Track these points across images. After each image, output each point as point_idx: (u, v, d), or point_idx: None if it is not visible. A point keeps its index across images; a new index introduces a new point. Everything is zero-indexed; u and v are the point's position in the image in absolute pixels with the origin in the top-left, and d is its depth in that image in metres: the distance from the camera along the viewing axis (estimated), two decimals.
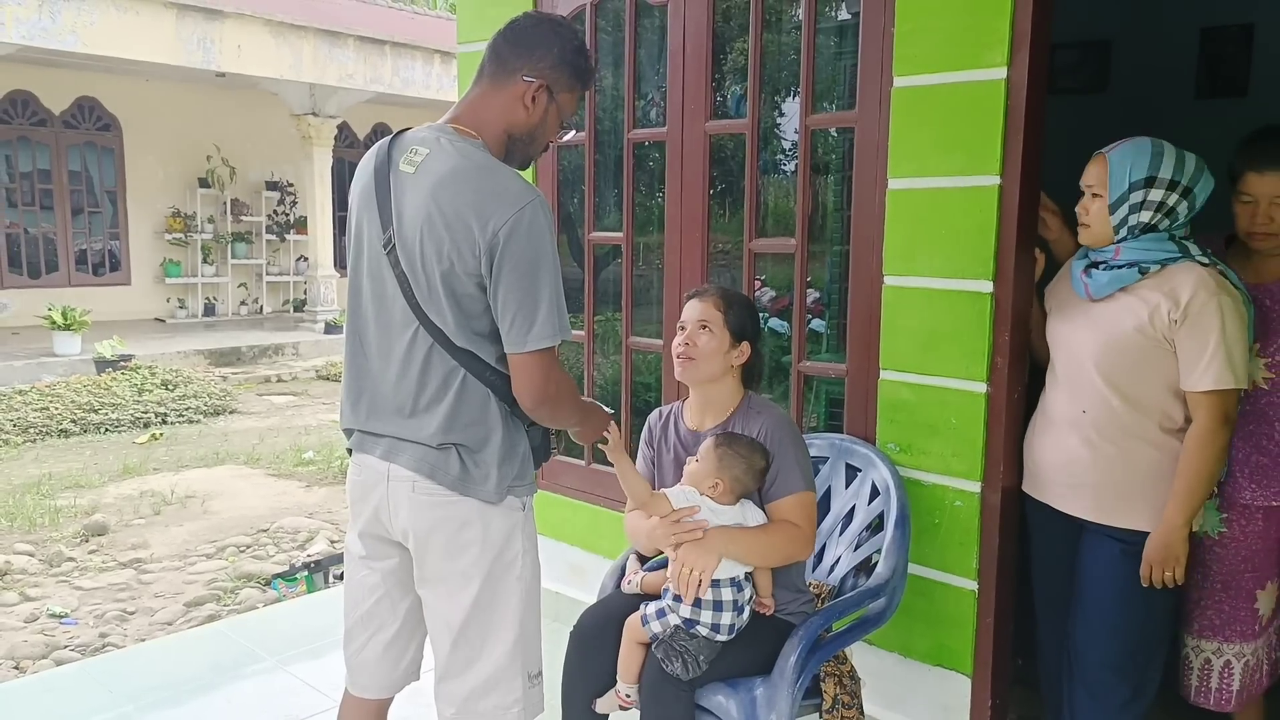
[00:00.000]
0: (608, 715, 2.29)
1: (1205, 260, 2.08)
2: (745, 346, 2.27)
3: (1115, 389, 2.14)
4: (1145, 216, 2.09)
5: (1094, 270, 2.18)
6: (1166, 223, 2.09)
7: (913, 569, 2.53)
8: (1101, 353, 2.15)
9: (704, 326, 2.24)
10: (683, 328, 2.28)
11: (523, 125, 1.90)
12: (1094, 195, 2.15)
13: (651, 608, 2.17)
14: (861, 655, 2.60)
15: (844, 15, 3.03)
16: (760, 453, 2.16)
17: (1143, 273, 2.09)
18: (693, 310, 2.28)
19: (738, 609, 2.13)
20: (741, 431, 2.22)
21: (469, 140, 1.85)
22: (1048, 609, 2.43)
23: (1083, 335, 2.20)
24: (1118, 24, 4.09)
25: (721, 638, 2.12)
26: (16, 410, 8.20)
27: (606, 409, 2.09)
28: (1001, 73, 2.33)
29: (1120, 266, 2.13)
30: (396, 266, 1.81)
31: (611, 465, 2.18)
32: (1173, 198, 2.07)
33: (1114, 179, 2.11)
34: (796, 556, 2.22)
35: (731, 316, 2.25)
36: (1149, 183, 2.07)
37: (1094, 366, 2.16)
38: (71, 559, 5.21)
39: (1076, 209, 2.24)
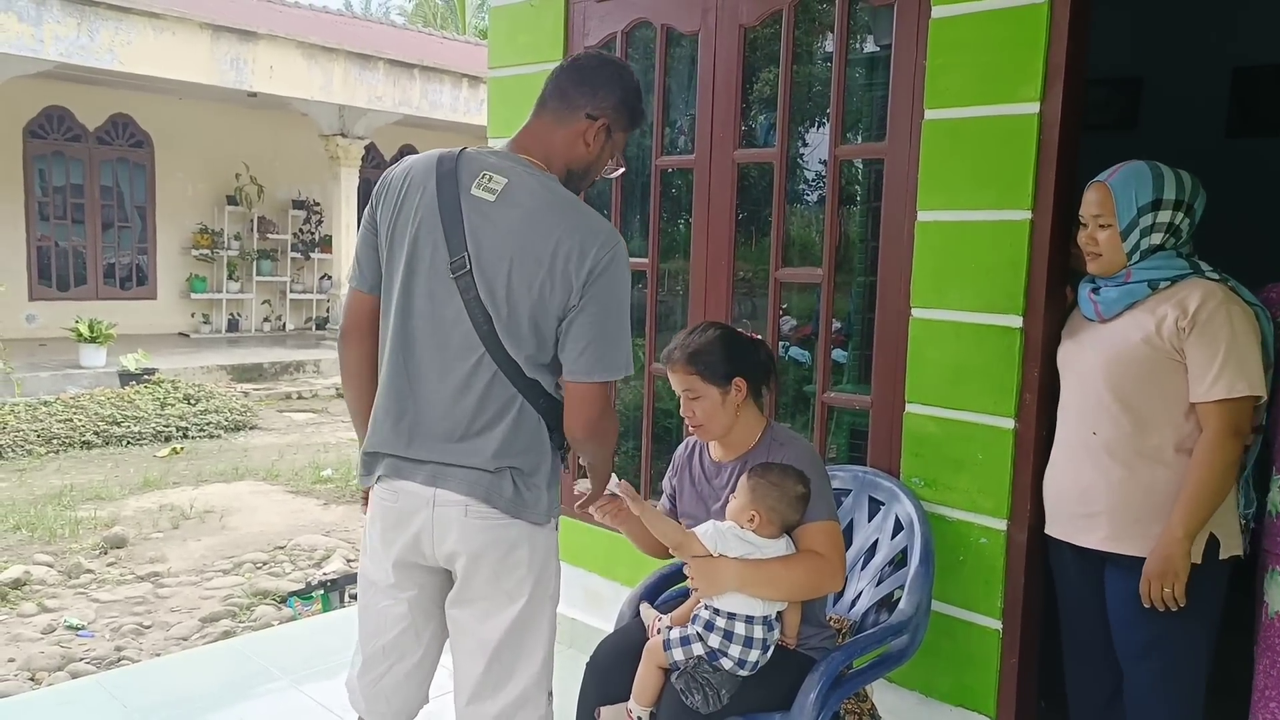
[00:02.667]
0: None
1: (1215, 276, 2.10)
2: (738, 382, 2.20)
3: (1125, 407, 2.11)
4: (1156, 239, 2.11)
5: (1103, 289, 2.17)
6: (1173, 241, 2.11)
7: (936, 606, 2.50)
8: (1109, 369, 2.13)
9: (690, 396, 2.20)
10: (677, 394, 2.25)
11: (581, 161, 1.94)
12: (1102, 225, 2.14)
13: (676, 633, 2.13)
14: (882, 693, 2.56)
15: (873, 48, 3.04)
16: (795, 478, 2.11)
17: (1153, 288, 2.10)
18: (673, 382, 2.25)
19: (765, 648, 2.10)
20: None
21: (546, 174, 1.88)
22: (1076, 652, 2.36)
23: (1090, 355, 2.19)
24: (1150, 61, 4.08)
25: (745, 673, 2.08)
26: (41, 421, 8.27)
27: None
28: (1034, 107, 2.33)
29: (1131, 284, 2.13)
30: (469, 292, 1.80)
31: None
32: (1178, 216, 2.10)
33: (1121, 206, 2.11)
34: (824, 588, 2.16)
35: (706, 369, 2.18)
36: (1156, 205, 2.09)
37: (1103, 384, 2.14)
38: (90, 571, 5.23)
39: (1080, 240, 2.20)
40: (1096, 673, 2.31)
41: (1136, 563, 2.10)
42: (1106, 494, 2.14)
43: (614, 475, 2.16)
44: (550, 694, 1.98)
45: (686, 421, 2.25)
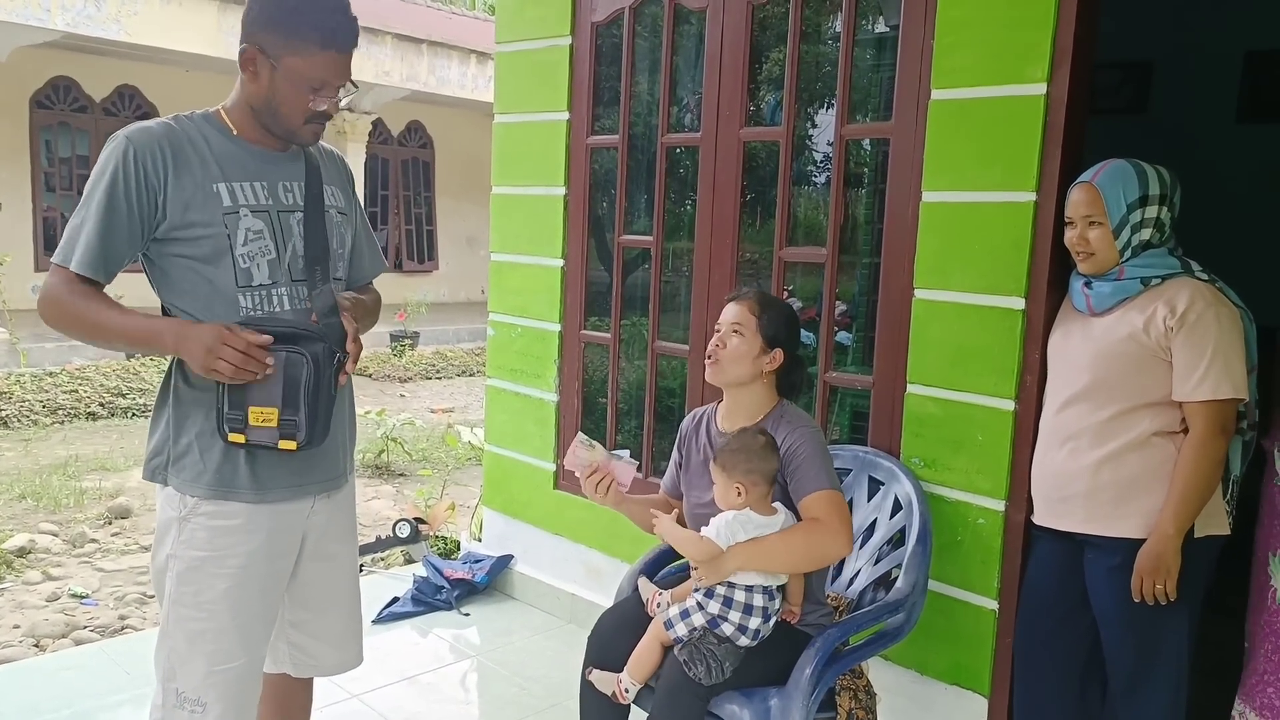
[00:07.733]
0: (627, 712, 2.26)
1: (1204, 276, 2.11)
2: (778, 353, 2.22)
3: (1109, 398, 2.12)
4: (1145, 235, 2.12)
5: (1095, 283, 2.18)
6: (1159, 236, 2.13)
7: (933, 586, 2.51)
8: (1096, 362, 2.14)
9: (736, 329, 2.22)
10: (718, 329, 2.26)
11: (257, 97, 1.88)
12: (1093, 224, 2.14)
13: (675, 610, 2.15)
14: (878, 670, 2.58)
15: (882, 28, 3.02)
16: (751, 432, 2.13)
17: (1144, 284, 2.11)
18: (728, 313, 2.26)
19: (766, 616, 2.11)
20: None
21: (205, 115, 1.93)
22: (1026, 634, 2.35)
23: (1079, 347, 2.20)
24: (1160, 45, 4.05)
25: (745, 641, 2.09)
26: (46, 392, 8.30)
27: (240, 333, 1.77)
28: (1041, 88, 2.32)
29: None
30: None
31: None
32: (1163, 211, 2.12)
33: (1110, 205, 2.12)
34: (828, 552, 2.12)
35: (766, 321, 2.21)
36: (1143, 201, 2.11)
37: (1088, 376, 2.15)
38: (94, 540, 5.26)
39: (1070, 240, 2.19)
40: (1045, 668, 2.31)
41: (1112, 543, 2.12)
42: (1081, 478, 2.15)
43: (627, 454, 2.15)
44: (185, 698, 1.75)
45: (708, 354, 2.24)
